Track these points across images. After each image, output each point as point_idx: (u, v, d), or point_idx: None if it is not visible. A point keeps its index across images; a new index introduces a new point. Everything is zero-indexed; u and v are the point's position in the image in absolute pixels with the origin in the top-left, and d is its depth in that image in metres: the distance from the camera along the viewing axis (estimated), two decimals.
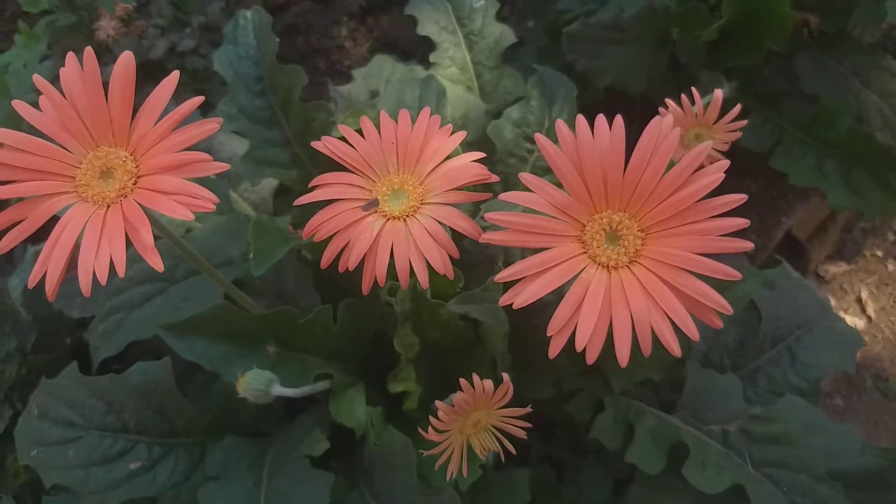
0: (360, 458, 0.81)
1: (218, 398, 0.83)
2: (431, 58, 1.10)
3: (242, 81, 0.95)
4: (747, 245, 0.46)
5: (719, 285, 0.48)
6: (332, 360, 0.83)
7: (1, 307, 0.95)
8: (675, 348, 0.45)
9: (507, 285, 0.50)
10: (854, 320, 1.30)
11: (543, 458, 0.97)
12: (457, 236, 0.58)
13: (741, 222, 0.46)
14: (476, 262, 0.86)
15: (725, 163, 0.48)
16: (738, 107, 0.81)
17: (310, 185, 0.59)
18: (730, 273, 0.46)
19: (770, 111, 1.17)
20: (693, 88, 0.80)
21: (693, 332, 0.45)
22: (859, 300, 1.32)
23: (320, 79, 1.45)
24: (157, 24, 1.28)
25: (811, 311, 0.90)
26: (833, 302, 1.31)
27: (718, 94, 0.81)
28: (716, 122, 0.82)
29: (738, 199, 0.46)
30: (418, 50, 1.42)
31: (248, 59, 0.95)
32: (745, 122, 0.82)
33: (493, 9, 1.10)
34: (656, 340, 0.47)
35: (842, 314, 1.31)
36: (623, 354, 0.45)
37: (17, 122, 0.55)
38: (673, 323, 0.46)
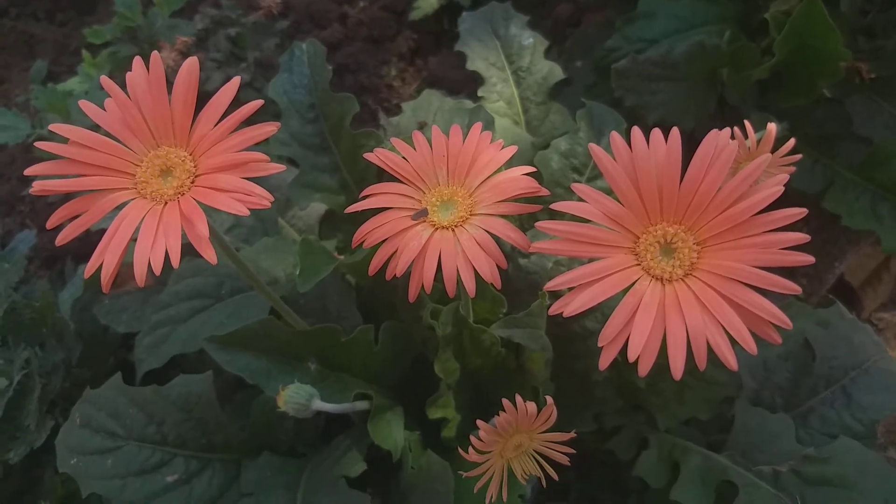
0: (397, 483, 0.80)
1: (256, 415, 0.83)
2: (479, 92, 1.11)
3: (295, 108, 0.97)
4: (808, 259, 0.45)
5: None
6: (372, 381, 0.83)
7: (51, 320, 0.97)
8: (732, 361, 0.44)
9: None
10: None
11: (583, 497, 0.95)
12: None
13: (801, 237, 0.45)
14: (519, 288, 0.85)
15: (784, 177, 0.47)
16: (792, 141, 0.80)
17: (361, 195, 0.59)
18: (789, 287, 0.44)
19: (821, 154, 1.15)
20: (746, 122, 0.80)
21: (751, 345, 0.44)
22: None
23: (370, 116, 1.48)
24: (215, 58, 1.33)
25: (867, 353, 0.87)
26: (888, 351, 1.27)
27: (772, 127, 0.80)
28: None
29: (798, 213, 0.45)
30: (465, 90, 1.44)
31: (301, 87, 0.98)
32: (798, 156, 0.80)
33: (541, 46, 1.12)
34: (711, 361, 0.46)
35: None
36: (677, 367, 0.44)
37: None
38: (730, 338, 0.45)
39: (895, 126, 1.13)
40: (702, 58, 1.05)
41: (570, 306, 0.47)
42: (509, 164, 0.63)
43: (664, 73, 1.05)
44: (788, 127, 1.12)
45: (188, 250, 0.51)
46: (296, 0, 1.64)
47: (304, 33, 1.60)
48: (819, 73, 1.03)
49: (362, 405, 0.77)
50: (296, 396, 0.68)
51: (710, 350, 0.45)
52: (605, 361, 0.46)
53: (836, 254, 1.23)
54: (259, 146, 1.01)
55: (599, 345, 0.46)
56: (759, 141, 0.81)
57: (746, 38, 1.17)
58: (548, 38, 1.15)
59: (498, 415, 0.60)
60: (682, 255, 0.48)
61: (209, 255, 0.46)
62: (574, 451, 0.64)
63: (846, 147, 1.15)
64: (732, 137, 0.78)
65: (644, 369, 0.44)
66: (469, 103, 1.06)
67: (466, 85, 1.43)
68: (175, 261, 0.45)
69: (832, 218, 1.14)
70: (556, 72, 1.10)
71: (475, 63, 1.12)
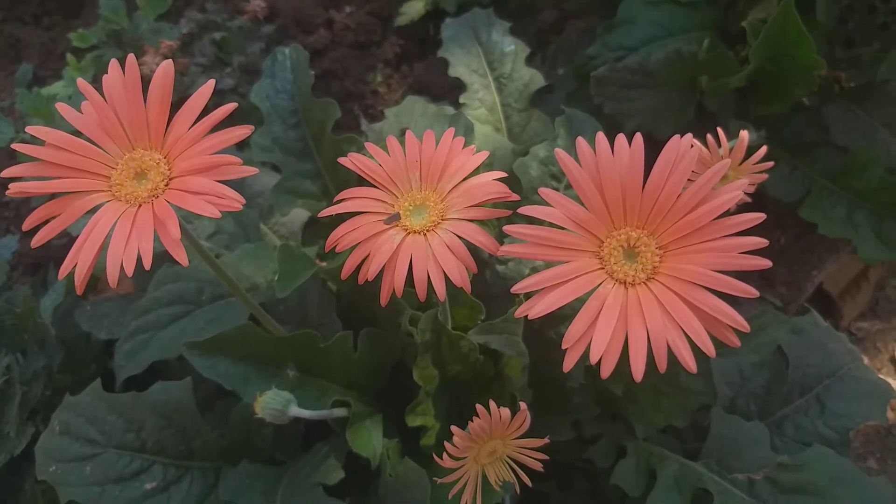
0: (374, 490, 0.80)
1: (235, 423, 0.83)
2: (462, 99, 1.12)
3: (278, 114, 0.98)
4: (765, 263, 0.45)
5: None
6: (351, 388, 0.83)
7: (32, 326, 0.97)
8: (691, 363, 0.45)
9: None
10: (888, 380, 1.26)
11: None
12: (479, 267, 0.58)
13: (758, 241, 0.46)
14: (497, 294, 0.86)
15: (744, 182, 0.48)
16: (765, 148, 0.81)
17: (335, 200, 0.60)
18: (746, 290, 0.45)
19: (799, 161, 1.16)
20: (719, 129, 0.81)
21: (709, 348, 0.45)
22: (893, 360, 1.29)
23: (354, 122, 1.49)
24: (200, 62, 1.34)
25: (841, 360, 0.88)
26: (866, 361, 1.28)
27: (744, 134, 0.81)
28: (742, 164, 0.82)
29: (756, 217, 0.46)
30: (450, 96, 1.45)
31: (284, 92, 0.99)
32: (771, 163, 0.81)
33: (523, 53, 1.13)
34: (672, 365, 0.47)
35: None
36: (638, 369, 0.45)
37: None
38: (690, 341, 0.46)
39: (872, 134, 1.14)
40: (678, 65, 1.06)
41: (535, 308, 0.47)
42: (490, 170, 0.63)
43: (641, 80, 1.07)
44: (766, 135, 1.13)
45: (168, 256, 0.52)
46: (282, 4, 1.64)
47: (290, 38, 1.60)
48: (794, 81, 1.05)
49: (340, 412, 0.77)
50: (272, 402, 0.69)
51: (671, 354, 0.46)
52: (568, 363, 0.46)
53: (815, 262, 1.25)
54: (242, 152, 1.01)
55: (563, 346, 0.46)
56: (732, 149, 0.82)
57: (726, 45, 1.18)
58: (532, 44, 1.16)
59: (472, 421, 0.60)
60: (645, 259, 0.49)
61: (181, 257, 0.46)
62: (548, 458, 0.64)
63: (823, 155, 1.16)
64: (707, 146, 0.80)
65: (606, 371, 0.45)
66: (451, 110, 1.07)
67: (452, 91, 1.43)
68: (147, 263, 0.46)
69: (810, 226, 1.15)
70: (538, 79, 1.11)
71: (457, 69, 1.13)
